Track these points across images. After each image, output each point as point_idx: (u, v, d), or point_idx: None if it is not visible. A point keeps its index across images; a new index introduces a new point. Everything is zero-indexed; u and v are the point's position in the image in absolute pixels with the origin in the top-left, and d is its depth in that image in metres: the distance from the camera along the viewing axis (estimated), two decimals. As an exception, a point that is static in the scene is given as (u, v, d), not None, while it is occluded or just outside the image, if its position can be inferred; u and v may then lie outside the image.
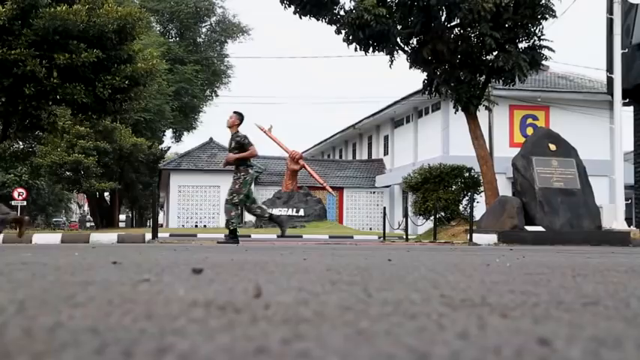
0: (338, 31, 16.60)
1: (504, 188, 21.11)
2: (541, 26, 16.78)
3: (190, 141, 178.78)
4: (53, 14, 16.92)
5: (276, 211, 27.28)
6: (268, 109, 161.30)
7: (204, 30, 48.43)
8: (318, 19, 16.76)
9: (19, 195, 33.35)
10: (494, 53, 16.74)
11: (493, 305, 1.74)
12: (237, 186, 10.26)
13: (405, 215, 18.39)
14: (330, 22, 16.67)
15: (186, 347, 1.08)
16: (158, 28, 46.10)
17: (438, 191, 18.81)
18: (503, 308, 1.67)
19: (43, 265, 3.41)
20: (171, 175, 34.09)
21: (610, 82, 16.37)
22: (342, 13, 16.48)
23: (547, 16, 16.51)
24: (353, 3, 16.22)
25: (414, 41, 17.47)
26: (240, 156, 10.25)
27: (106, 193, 41.74)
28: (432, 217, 17.54)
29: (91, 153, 32.58)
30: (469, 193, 17.69)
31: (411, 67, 17.76)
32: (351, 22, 15.96)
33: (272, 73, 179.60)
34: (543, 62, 17.78)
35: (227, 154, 10.60)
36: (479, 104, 17.80)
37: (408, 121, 33.94)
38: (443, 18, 16.80)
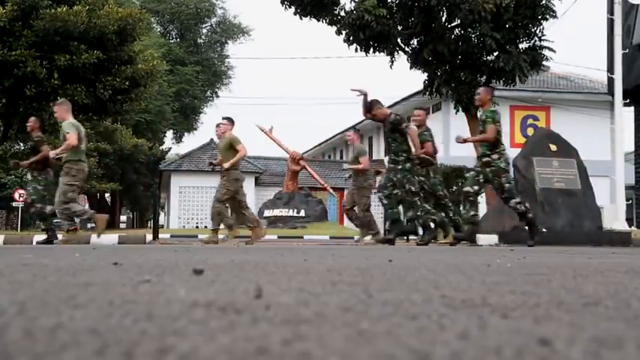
0: (338, 32, 16.60)
1: (505, 189, 21.06)
2: (541, 27, 16.81)
3: (191, 142, 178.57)
4: (54, 15, 16.94)
5: (277, 212, 27.40)
6: (269, 110, 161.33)
7: (204, 31, 48.52)
8: (318, 20, 16.76)
9: (20, 196, 33.33)
10: (495, 54, 16.75)
11: (494, 306, 1.74)
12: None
13: (406, 216, 18.37)
14: (330, 23, 16.66)
15: (186, 348, 1.08)
16: (159, 29, 46.16)
17: (439, 192, 18.77)
18: (504, 309, 1.67)
19: (44, 266, 3.41)
20: (172, 176, 34.08)
21: (610, 82, 16.35)
22: (342, 13, 16.48)
23: (547, 16, 16.54)
24: (353, 4, 16.23)
25: (414, 42, 17.48)
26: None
27: (107, 194, 41.78)
28: (432, 218, 17.50)
29: (92, 154, 32.61)
30: (470, 194, 17.64)
31: (411, 68, 17.76)
32: (352, 22, 15.97)
33: (272, 73, 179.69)
34: (544, 63, 17.79)
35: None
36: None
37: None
38: (443, 19, 16.80)
